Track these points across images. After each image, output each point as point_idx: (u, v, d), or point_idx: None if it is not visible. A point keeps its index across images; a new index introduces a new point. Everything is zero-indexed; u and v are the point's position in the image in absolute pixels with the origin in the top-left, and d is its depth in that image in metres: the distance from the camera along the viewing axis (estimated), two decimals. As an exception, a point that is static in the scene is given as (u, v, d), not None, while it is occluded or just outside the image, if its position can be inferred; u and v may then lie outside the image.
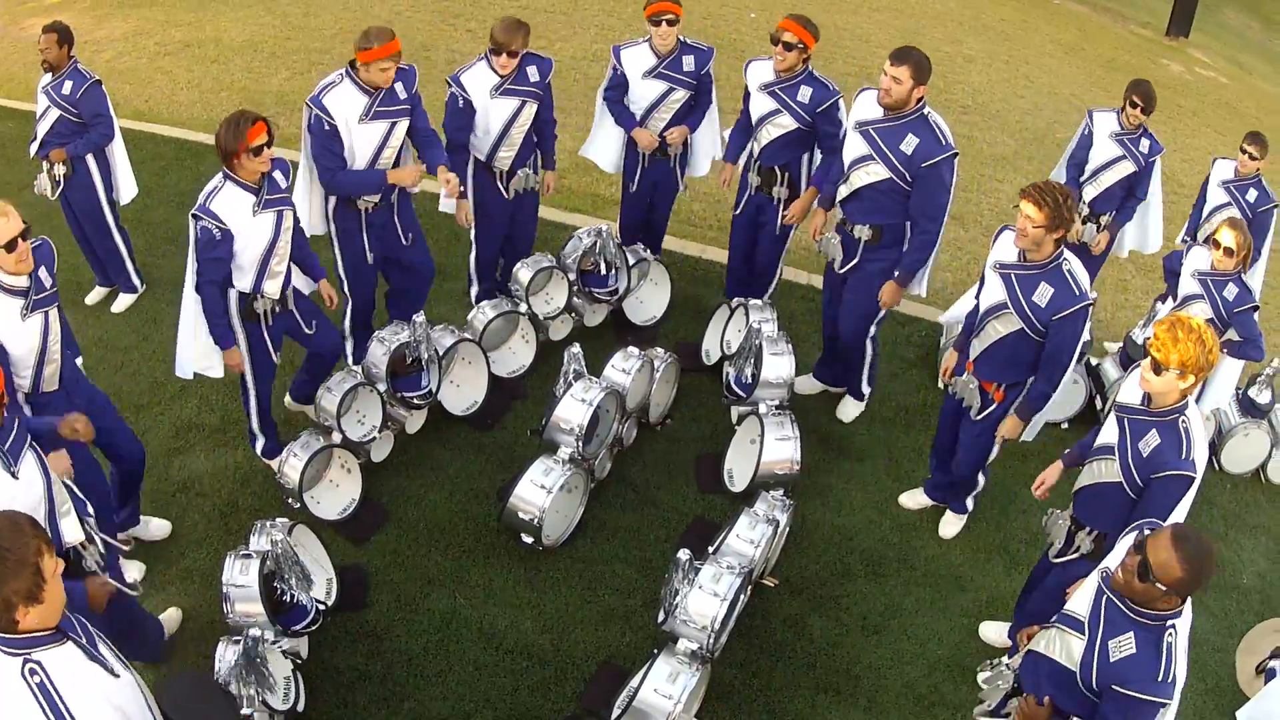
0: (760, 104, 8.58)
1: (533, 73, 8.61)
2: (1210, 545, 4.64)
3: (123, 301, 10.08)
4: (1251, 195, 9.38)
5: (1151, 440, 5.66)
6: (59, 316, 6.65)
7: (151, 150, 12.51)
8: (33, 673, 4.07)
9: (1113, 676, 4.77)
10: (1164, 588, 4.59)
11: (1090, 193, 9.57)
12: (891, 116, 7.54)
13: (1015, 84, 17.18)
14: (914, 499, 8.42)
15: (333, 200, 8.20)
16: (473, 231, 9.25)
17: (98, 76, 9.34)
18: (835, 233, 8.22)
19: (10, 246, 6.05)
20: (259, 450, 8.26)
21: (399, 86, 7.92)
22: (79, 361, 7.16)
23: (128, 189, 9.81)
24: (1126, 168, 9.46)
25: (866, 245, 8.01)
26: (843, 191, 7.97)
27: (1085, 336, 6.77)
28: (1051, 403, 7.03)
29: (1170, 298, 8.62)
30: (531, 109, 8.65)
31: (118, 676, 4.37)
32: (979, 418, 7.28)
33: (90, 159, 9.39)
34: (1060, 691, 5.09)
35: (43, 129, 9.35)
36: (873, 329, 8.48)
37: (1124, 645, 4.76)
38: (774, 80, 8.45)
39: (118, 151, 9.62)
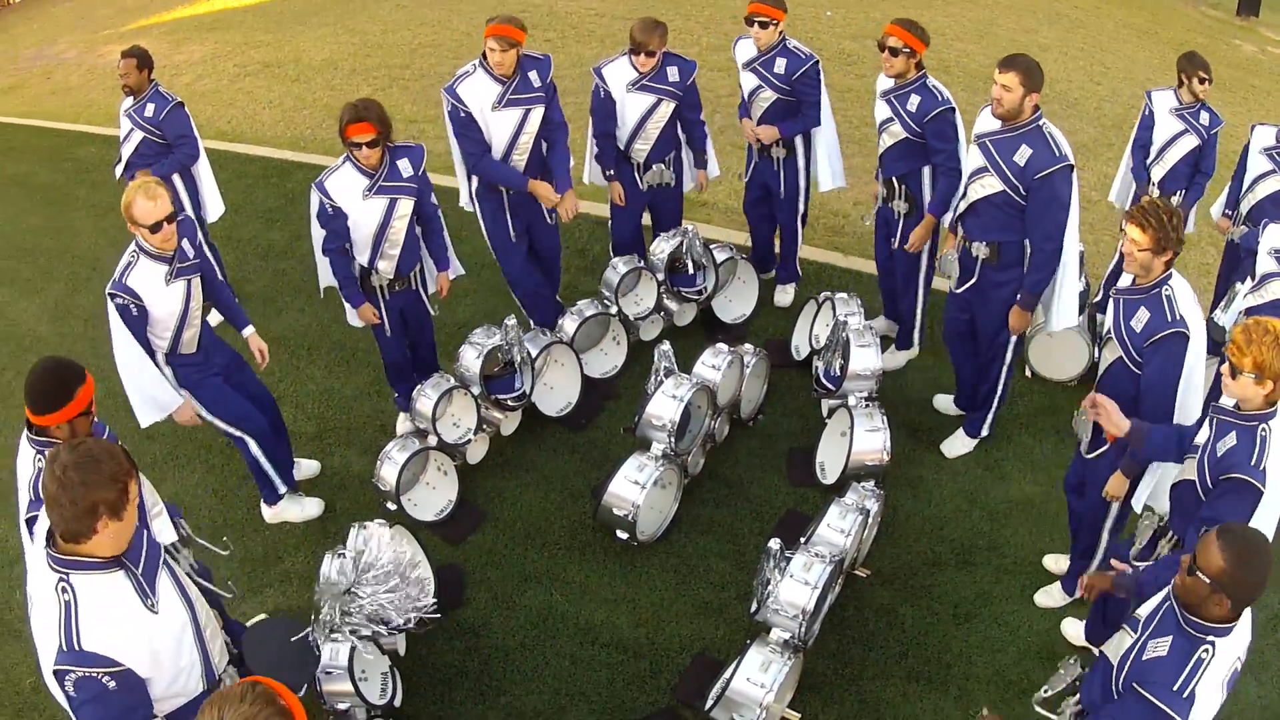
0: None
1: (673, 73, 8.81)
2: (1263, 544, 4.43)
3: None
4: None
5: (1229, 441, 5.50)
6: (200, 285, 7.19)
7: (237, 169, 12.75)
8: (64, 590, 4.31)
9: (1136, 674, 4.63)
10: (1208, 580, 4.39)
11: (1158, 173, 9.42)
12: (1007, 128, 7.34)
13: (1091, 71, 17.04)
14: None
15: (475, 181, 8.57)
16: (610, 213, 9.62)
17: (179, 99, 9.57)
18: (953, 251, 8.04)
19: (155, 228, 6.67)
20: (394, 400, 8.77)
21: (533, 75, 8.21)
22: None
23: (215, 207, 10.02)
24: (1190, 142, 9.33)
25: (985, 264, 7.83)
26: (960, 206, 7.86)
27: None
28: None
29: (1250, 277, 8.47)
30: (669, 107, 8.87)
31: (156, 614, 4.53)
32: (1090, 455, 6.95)
33: (177, 179, 9.58)
34: (1101, 693, 5.00)
35: (127, 151, 9.62)
36: (1009, 355, 8.21)
37: (1159, 647, 4.60)
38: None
39: (203, 171, 9.83)
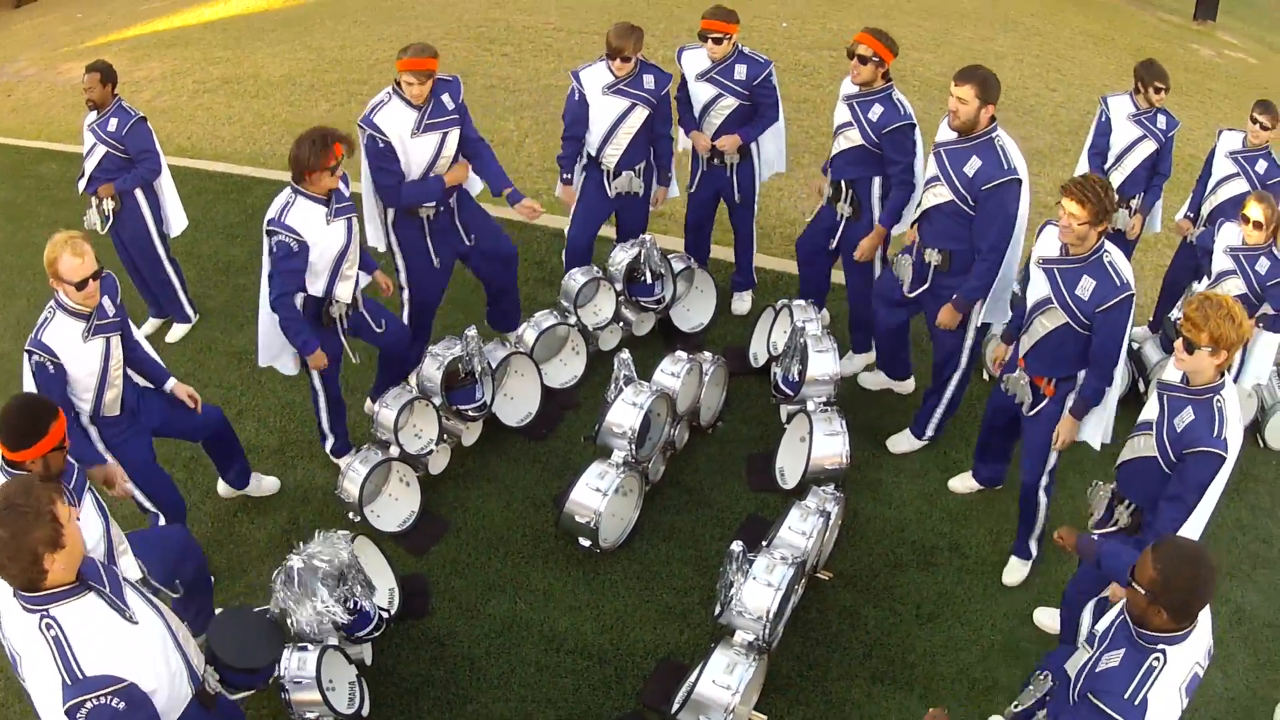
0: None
1: (649, 80, 8.86)
2: (1196, 556, 4.48)
3: (177, 331, 10.27)
4: (1261, 167, 9.18)
5: (1186, 416, 5.70)
6: (121, 343, 6.99)
7: (197, 185, 12.69)
8: (49, 627, 4.33)
9: (1090, 684, 4.73)
10: (1142, 591, 4.49)
11: (1116, 178, 9.47)
12: (962, 139, 7.42)
13: (1047, 78, 17.16)
14: (963, 483, 8.47)
15: (392, 212, 8.45)
16: (570, 215, 9.59)
17: (142, 114, 9.56)
18: (904, 254, 8.12)
19: (81, 285, 6.52)
20: (329, 449, 8.52)
21: (446, 98, 8.15)
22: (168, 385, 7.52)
23: (178, 221, 10.00)
24: (1149, 147, 9.42)
25: (937, 270, 7.90)
26: (915, 213, 7.96)
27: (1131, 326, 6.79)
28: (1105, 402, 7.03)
29: (1205, 276, 8.59)
30: (642, 114, 8.89)
31: (136, 624, 4.56)
32: (1031, 413, 7.24)
33: (139, 193, 9.59)
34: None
35: (90, 165, 9.57)
36: (963, 359, 8.30)
37: (1112, 659, 4.68)
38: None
39: (166, 185, 9.81)
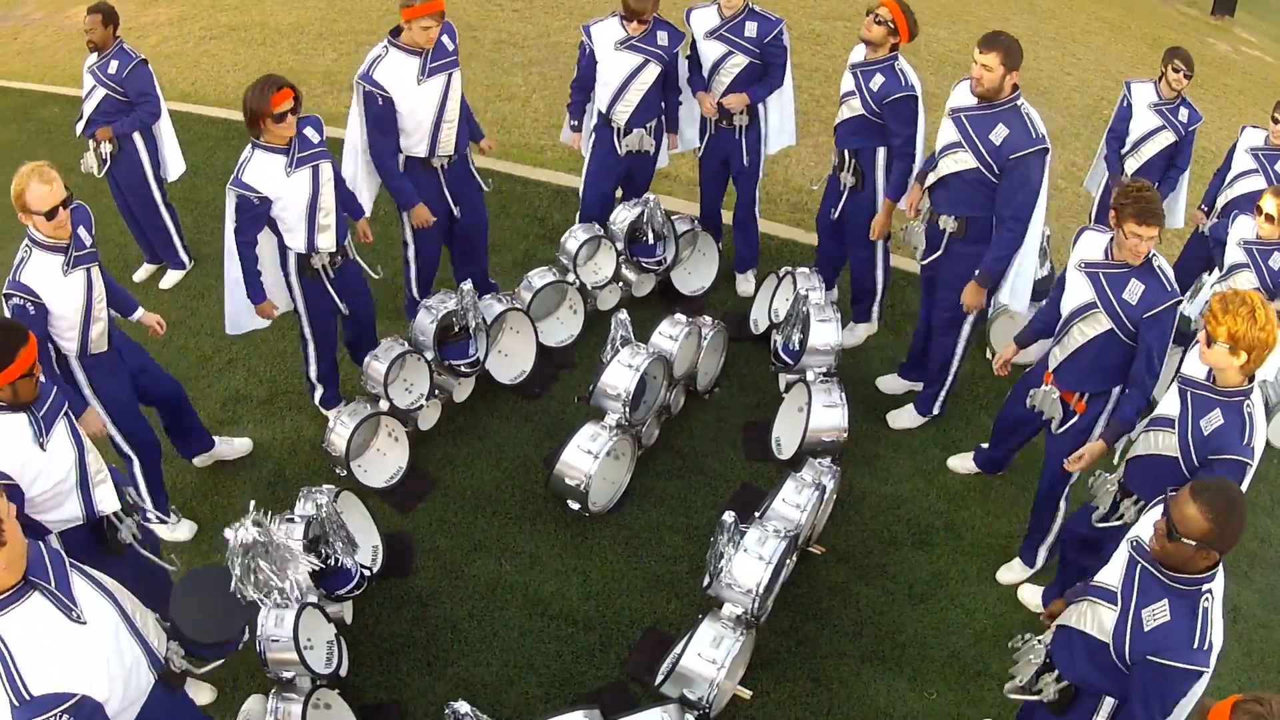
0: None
1: (662, 37, 8.72)
2: (1236, 492, 4.52)
3: (171, 278, 10.17)
4: None
5: (1214, 420, 5.54)
6: (101, 275, 6.80)
7: (199, 131, 12.58)
8: None
9: (1147, 646, 4.61)
10: (1193, 543, 4.46)
11: (1132, 165, 9.45)
12: (984, 105, 7.27)
13: (1062, 61, 17.05)
14: (963, 463, 8.34)
15: (403, 159, 8.30)
16: (584, 175, 9.46)
17: (143, 56, 9.44)
18: (921, 222, 8.01)
19: (51, 214, 6.30)
20: (317, 400, 8.42)
21: (445, 39, 7.97)
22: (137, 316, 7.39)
23: (175, 166, 9.89)
24: (1167, 138, 9.38)
25: (952, 237, 7.79)
26: (930, 179, 7.77)
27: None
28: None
29: (1216, 269, 8.47)
30: (654, 70, 8.75)
31: (84, 623, 4.37)
32: (1059, 431, 7.04)
33: (137, 137, 9.48)
34: (1094, 667, 4.96)
35: (89, 108, 9.45)
36: (965, 329, 8.19)
37: (1158, 613, 4.61)
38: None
39: (164, 129, 9.70)
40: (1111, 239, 6.37)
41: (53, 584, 4.35)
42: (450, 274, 9.15)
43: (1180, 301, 6.31)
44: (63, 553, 4.63)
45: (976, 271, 7.60)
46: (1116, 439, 6.68)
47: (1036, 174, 7.28)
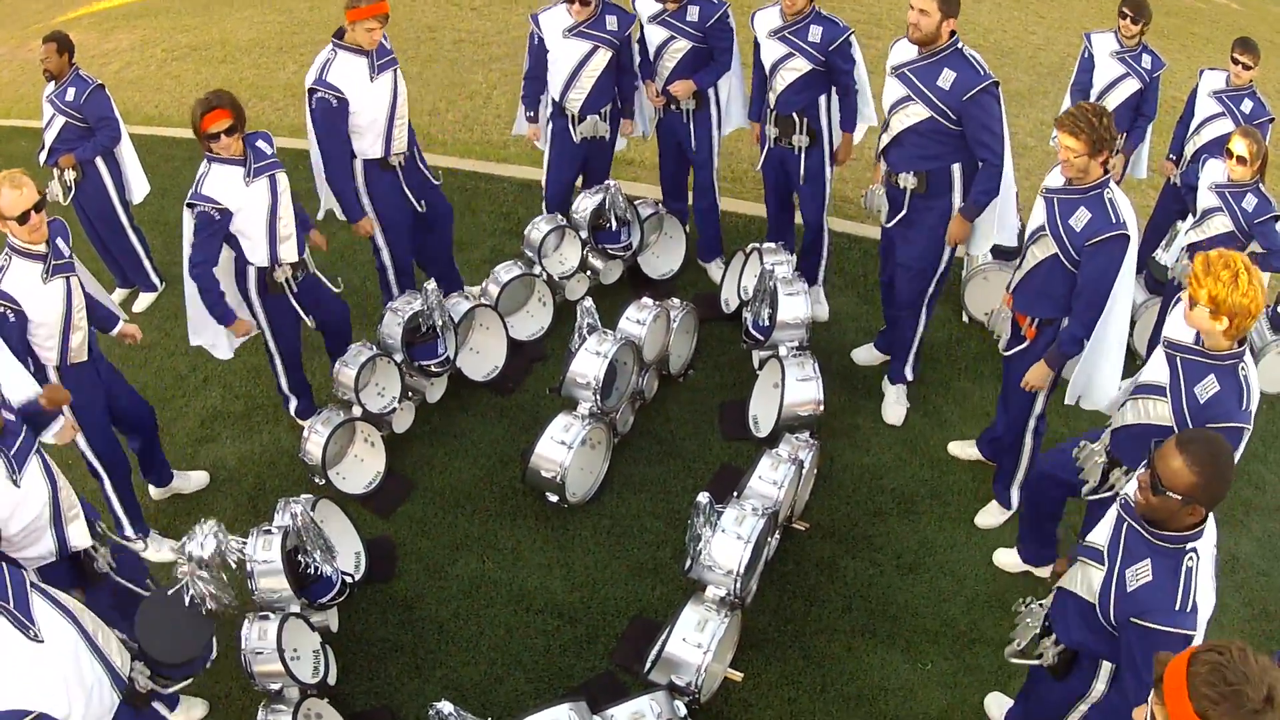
0: (771, 51, 8.44)
1: (611, 21, 8.70)
2: (1223, 445, 4.40)
3: (144, 300, 10.17)
4: (1247, 106, 9.03)
5: (1210, 386, 5.41)
6: (82, 288, 6.84)
7: (164, 153, 12.57)
8: None
9: (1131, 607, 4.54)
10: (1178, 497, 4.34)
11: None
12: (926, 54, 7.22)
13: (1026, 20, 17.05)
14: (963, 449, 8.28)
15: (361, 168, 8.30)
16: (544, 166, 9.46)
17: (100, 81, 9.44)
18: (880, 185, 7.93)
19: (23, 219, 6.31)
20: (292, 411, 8.43)
21: (384, 41, 8.01)
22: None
23: (140, 188, 9.88)
24: (1131, 85, 9.35)
25: (914, 195, 7.70)
26: (883, 140, 7.73)
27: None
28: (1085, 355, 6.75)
29: (1190, 214, 8.42)
30: (605, 55, 8.75)
31: (42, 642, 4.37)
32: (1008, 353, 7.08)
33: (100, 162, 9.48)
34: (1087, 629, 4.91)
35: (50, 137, 9.47)
36: (930, 288, 8.08)
37: (1141, 573, 4.52)
38: (783, 24, 8.32)
39: (126, 152, 9.70)
40: None
41: (11, 603, 4.34)
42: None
43: (1124, 234, 6.26)
44: (24, 573, 4.62)
45: (961, 207, 7.57)
46: (1060, 364, 6.77)
47: (995, 108, 7.21)
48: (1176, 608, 4.40)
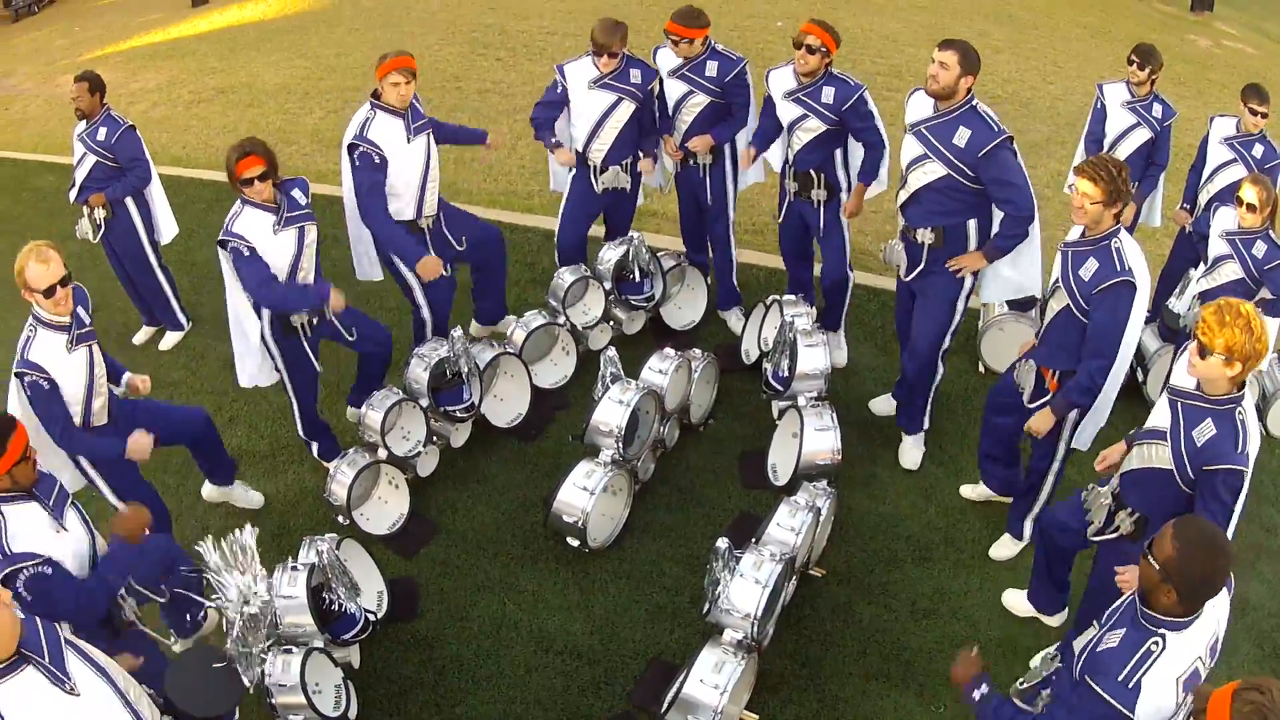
0: (786, 111, 8.61)
1: (635, 75, 8.85)
2: (1216, 539, 4.42)
3: (170, 339, 10.28)
4: (1258, 151, 9.05)
5: (1206, 430, 5.51)
6: (100, 352, 6.93)
7: (191, 194, 12.70)
8: None
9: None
10: (1157, 567, 4.40)
11: None
12: (942, 111, 7.33)
13: (1044, 71, 17.16)
14: (975, 491, 8.34)
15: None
16: (560, 213, 9.59)
17: (130, 122, 9.57)
18: (899, 239, 8.03)
19: (49, 292, 6.44)
20: (316, 453, 8.53)
21: (418, 105, 8.22)
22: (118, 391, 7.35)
23: (168, 228, 10.00)
24: (1142, 135, 9.42)
25: (931, 249, 7.82)
26: (901, 196, 7.83)
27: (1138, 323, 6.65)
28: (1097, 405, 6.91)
29: (1202, 262, 8.49)
30: (629, 107, 8.90)
31: (78, 696, 4.47)
32: (1030, 405, 7.14)
33: (130, 201, 9.60)
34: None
35: (80, 175, 9.58)
36: (946, 341, 8.15)
37: (1112, 639, 4.59)
38: (796, 86, 8.47)
39: (156, 193, 9.82)
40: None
41: (47, 659, 4.43)
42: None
43: (1129, 281, 6.38)
44: (58, 629, 4.72)
45: (984, 247, 7.68)
46: (1066, 411, 6.93)
47: (1012, 161, 7.32)
48: (1120, 679, 4.45)
